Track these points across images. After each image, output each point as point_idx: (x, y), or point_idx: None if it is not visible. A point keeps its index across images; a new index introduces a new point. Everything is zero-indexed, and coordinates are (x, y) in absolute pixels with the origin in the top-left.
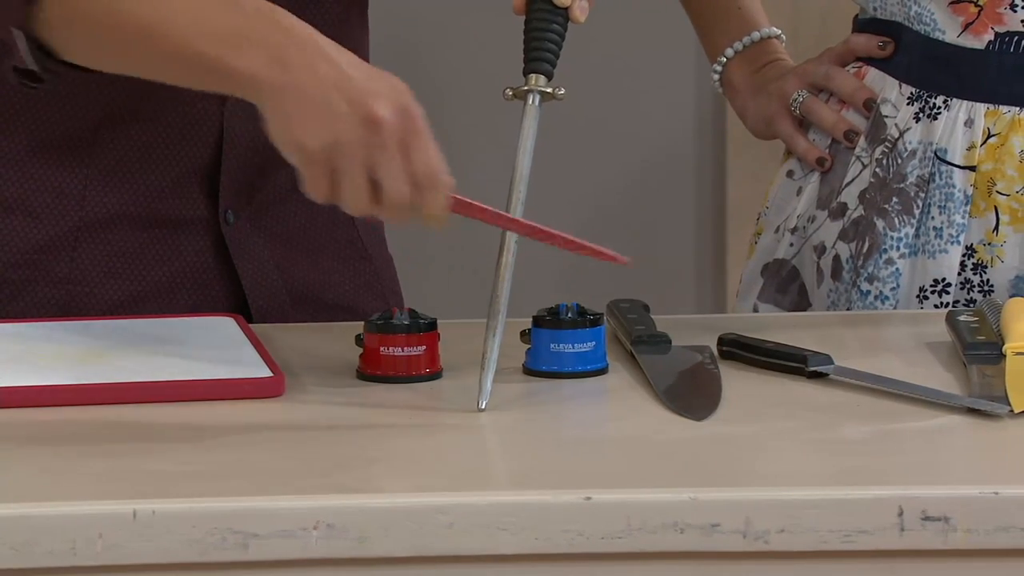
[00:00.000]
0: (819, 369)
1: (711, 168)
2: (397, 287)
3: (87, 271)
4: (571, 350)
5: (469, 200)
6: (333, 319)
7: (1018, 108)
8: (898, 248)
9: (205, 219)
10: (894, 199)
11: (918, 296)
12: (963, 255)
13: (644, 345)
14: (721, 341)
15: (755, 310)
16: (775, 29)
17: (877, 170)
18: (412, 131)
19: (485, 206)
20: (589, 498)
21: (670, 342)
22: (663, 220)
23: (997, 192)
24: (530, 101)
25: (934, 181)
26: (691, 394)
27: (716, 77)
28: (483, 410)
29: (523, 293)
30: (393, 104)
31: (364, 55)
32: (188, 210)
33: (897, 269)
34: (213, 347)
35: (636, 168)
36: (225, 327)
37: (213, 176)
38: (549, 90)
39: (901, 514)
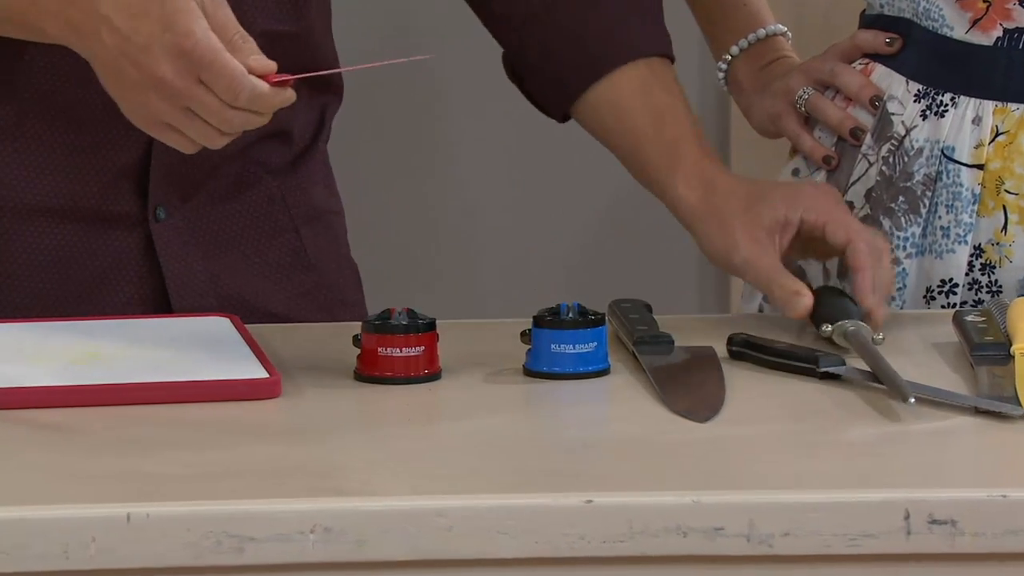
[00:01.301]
0: (831, 370)
1: None
2: (355, 296)
3: (14, 265)
4: (572, 351)
5: (290, 75)
6: None
7: None
8: (905, 248)
9: (134, 215)
10: (900, 198)
11: (925, 296)
12: (971, 255)
13: (646, 346)
14: (731, 341)
15: (760, 311)
16: (781, 26)
17: (883, 168)
18: (200, 66)
19: (306, 74)
20: (590, 501)
21: (673, 342)
22: (666, 219)
23: (1005, 191)
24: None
25: (941, 180)
26: (694, 395)
27: (721, 75)
28: (912, 404)
29: (523, 293)
30: (167, 53)
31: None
32: (116, 205)
33: (904, 269)
34: (209, 348)
35: None
36: (221, 328)
37: (144, 170)
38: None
39: (907, 517)
